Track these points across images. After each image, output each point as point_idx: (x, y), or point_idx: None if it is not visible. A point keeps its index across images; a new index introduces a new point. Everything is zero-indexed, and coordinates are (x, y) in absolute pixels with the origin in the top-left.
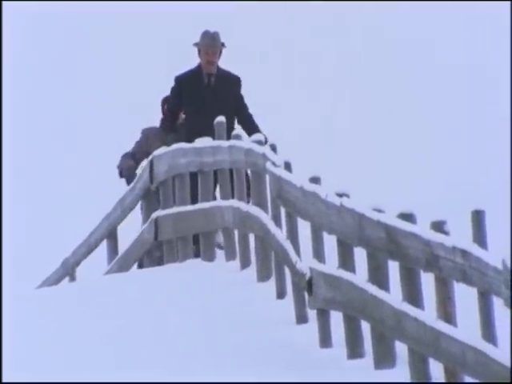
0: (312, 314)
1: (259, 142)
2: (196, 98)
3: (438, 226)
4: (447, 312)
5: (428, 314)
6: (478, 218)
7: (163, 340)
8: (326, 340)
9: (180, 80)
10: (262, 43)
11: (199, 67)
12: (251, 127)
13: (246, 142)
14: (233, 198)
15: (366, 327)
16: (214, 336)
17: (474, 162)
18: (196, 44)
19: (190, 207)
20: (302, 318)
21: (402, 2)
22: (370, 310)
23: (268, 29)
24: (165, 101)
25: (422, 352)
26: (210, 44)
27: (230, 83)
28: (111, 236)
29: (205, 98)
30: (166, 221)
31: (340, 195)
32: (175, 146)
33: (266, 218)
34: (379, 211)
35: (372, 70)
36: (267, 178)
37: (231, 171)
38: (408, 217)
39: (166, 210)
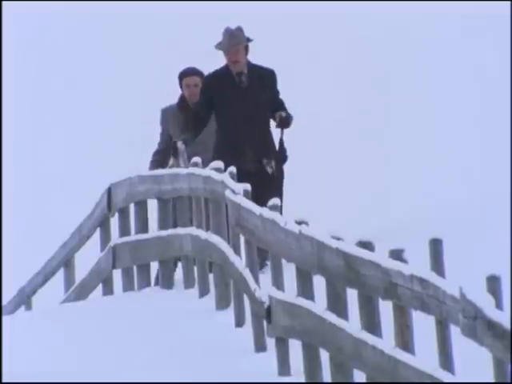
0: (271, 342)
1: (218, 170)
2: (229, 99)
3: (397, 254)
4: (405, 340)
5: (386, 342)
6: (435, 246)
7: (119, 369)
8: (284, 368)
9: (209, 79)
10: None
11: (227, 67)
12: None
13: (205, 169)
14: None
15: (325, 355)
16: (172, 365)
17: (435, 187)
18: (218, 45)
19: (147, 235)
20: (260, 347)
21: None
22: (329, 338)
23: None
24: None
25: (381, 380)
26: (230, 43)
27: (265, 79)
28: (68, 264)
29: (238, 100)
30: (124, 249)
31: (299, 223)
32: (133, 174)
33: (224, 245)
34: (338, 239)
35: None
36: (226, 205)
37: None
38: (367, 245)
39: (123, 237)
